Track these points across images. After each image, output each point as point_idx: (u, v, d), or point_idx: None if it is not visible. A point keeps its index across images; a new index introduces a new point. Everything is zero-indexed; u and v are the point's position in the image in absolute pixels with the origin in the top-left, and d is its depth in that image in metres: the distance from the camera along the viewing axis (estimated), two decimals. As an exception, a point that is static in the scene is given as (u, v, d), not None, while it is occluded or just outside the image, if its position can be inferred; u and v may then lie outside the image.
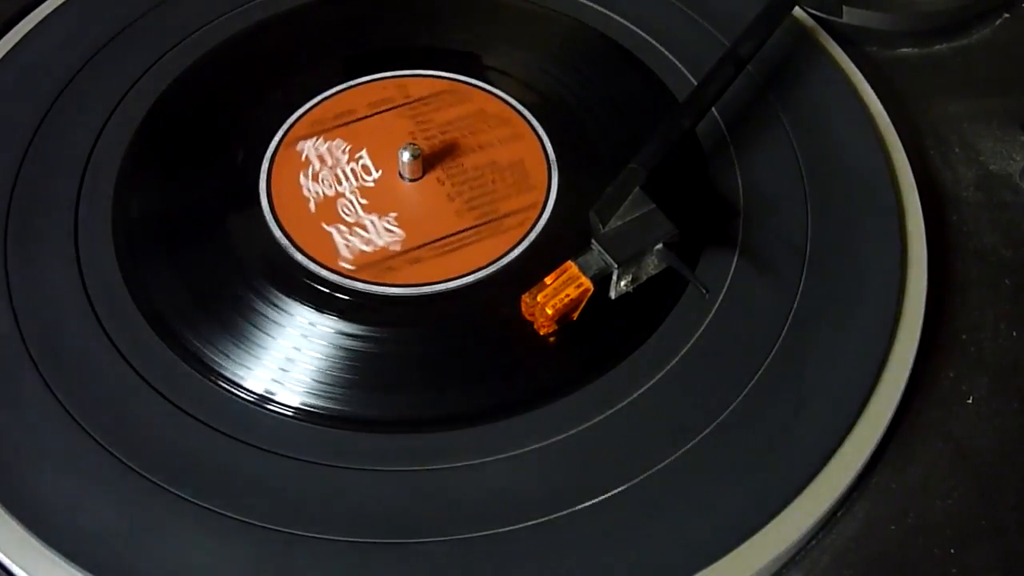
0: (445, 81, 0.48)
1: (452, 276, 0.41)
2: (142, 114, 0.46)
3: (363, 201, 0.43)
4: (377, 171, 0.44)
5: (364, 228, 0.42)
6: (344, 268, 0.41)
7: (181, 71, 0.48)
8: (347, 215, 0.42)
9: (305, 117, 0.46)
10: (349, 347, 0.39)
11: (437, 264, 0.41)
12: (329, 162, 0.44)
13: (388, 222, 0.42)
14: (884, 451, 0.38)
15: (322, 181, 0.43)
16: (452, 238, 0.42)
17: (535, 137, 0.46)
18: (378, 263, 0.41)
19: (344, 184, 0.43)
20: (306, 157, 0.44)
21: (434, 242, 0.42)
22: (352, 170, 0.44)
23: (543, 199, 0.44)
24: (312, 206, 0.43)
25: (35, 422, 0.37)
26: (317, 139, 0.45)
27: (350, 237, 0.41)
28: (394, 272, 0.41)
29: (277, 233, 0.42)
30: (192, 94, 0.47)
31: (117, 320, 0.40)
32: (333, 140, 0.45)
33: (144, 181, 0.44)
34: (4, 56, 0.49)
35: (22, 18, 0.50)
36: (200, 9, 0.50)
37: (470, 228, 0.43)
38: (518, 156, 0.45)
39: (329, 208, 0.43)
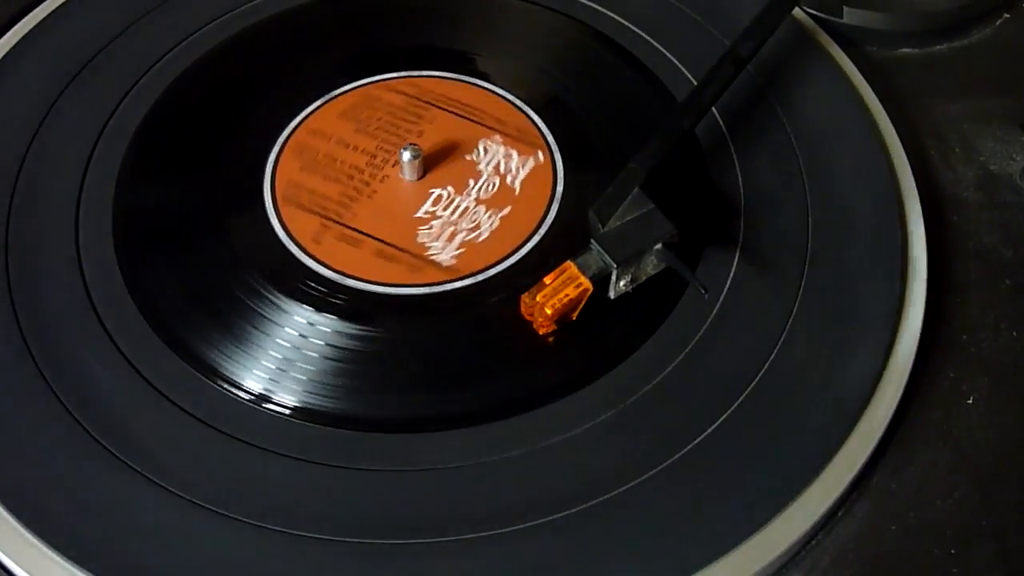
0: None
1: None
2: (143, 114, 0.46)
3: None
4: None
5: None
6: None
7: (182, 71, 0.48)
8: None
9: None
10: (348, 347, 0.39)
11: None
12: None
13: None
14: (884, 451, 0.38)
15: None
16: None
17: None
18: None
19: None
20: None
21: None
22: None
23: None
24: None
25: (35, 421, 0.37)
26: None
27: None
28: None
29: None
30: (193, 94, 0.47)
31: (117, 320, 0.40)
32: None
33: (145, 181, 0.44)
34: (4, 56, 0.49)
35: (22, 18, 0.51)
36: (200, 9, 0.50)
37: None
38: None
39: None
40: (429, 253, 0.42)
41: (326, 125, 0.46)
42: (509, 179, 0.44)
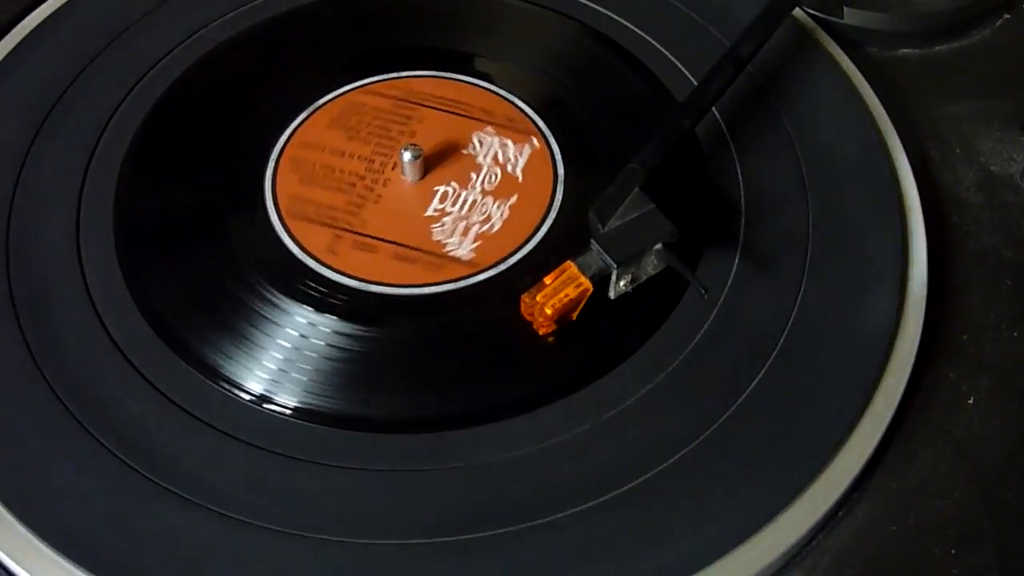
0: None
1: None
2: (143, 114, 0.46)
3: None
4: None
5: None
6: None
7: (182, 71, 0.48)
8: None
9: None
10: (348, 347, 0.39)
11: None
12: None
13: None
14: (884, 451, 0.38)
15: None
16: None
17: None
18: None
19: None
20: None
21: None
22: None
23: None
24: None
25: (35, 422, 0.37)
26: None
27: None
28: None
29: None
30: (194, 94, 0.47)
31: (118, 320, 0.40)
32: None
33: (146, 181, 0.44)
34: (5, 57, 0.49)
35: (23, 18, 0.51)
36: (200, 9, 0.50)
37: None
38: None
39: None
40: (447, 250, 0.42)
41: (316, 136, 0.46)
42: (510, 167, 0.44)
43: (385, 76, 0.48)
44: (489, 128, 0.46)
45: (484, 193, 0.44)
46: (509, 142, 0.45)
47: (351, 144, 0.45)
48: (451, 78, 0.48)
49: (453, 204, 0.43)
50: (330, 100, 0.47)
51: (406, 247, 0.42)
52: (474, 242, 0.42)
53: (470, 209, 0.43)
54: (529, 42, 0.50)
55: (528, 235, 0.42)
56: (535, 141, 0.45)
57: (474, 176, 0.44)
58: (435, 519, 0.35)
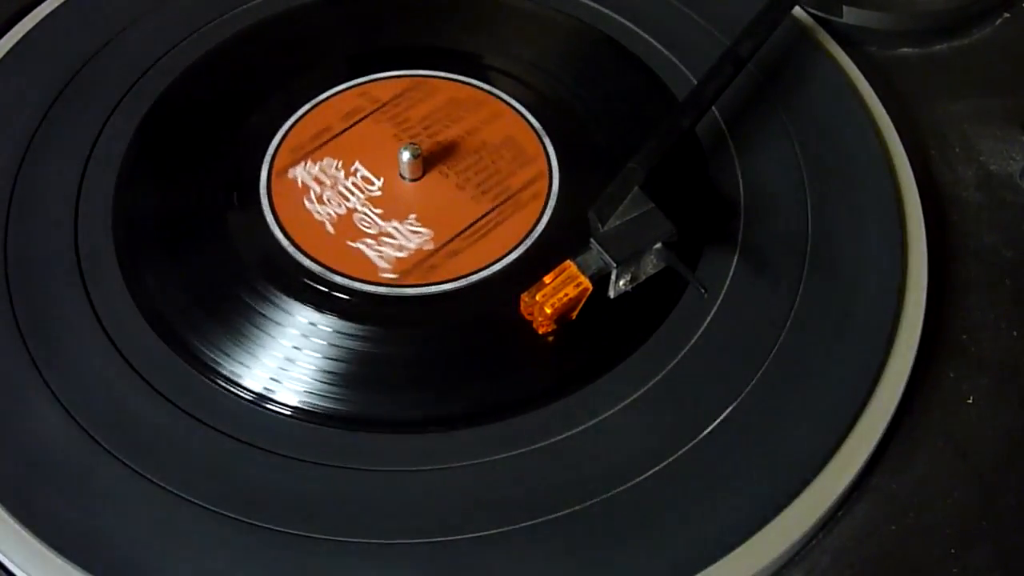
0: (409, 79, 0.48)
1: (494, 259, 0.41)
2: (142, 114, 0.46)
3: (378, 211, 0.43)
4: (378, 179, 0.44)
5: (390, 235, 0.42)
6: (388, 279, 0.41)
7: (181, 71, 0.48)
8: (368, 228, 0.42)
9: (285, 140, 0.46)
10: (348, 347, 0.39)
11: (475, 251, 0.42)
12: (328, 182, 0.44)
13: (411, 224, 0.42)
14: (884, 451, 0.38)
15: (329, 202, 0.43)
16: (479, 223, 0.42)
17: (513, 111, 0.46)
18: (418, 264, 0.41)
19: (352, 199, 0.43)
20: (302, 183, 0.44)
21: (463, 231, 0.42)
22: (354, 184, 0.44)
23: (546, 166, 0.44)
24: (330, 228, 0.42)
25: (35, 422, 0.37)
26: (306, 163, 0.44)
27: (380, 248, 0.41)
28: (437, 269, 0.41)
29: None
30: (192, 94, 0.47)
31: (117, 319, 0.40)
32: (322, 160, 0.45)
33: (145, 181, 0.44)
34: (4, 56, 0.49)
35: (22, 18, 0.51)
36: (199, 10, 0.50)
37: (491, 210, 0.43)
38: (506, 132, 0.46)
39: (347, 226, 0.42)
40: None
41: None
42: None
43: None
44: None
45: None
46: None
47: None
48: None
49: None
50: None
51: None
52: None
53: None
54: (529, 41, 0.50)
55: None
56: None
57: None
58: (435, 519, 0.35)
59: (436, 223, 0.43)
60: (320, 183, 0.44)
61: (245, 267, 0.41)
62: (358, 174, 0.44)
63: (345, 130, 0.46)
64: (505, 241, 0.42)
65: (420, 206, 0.43)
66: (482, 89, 0.47)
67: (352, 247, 0.42)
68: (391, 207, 0.43)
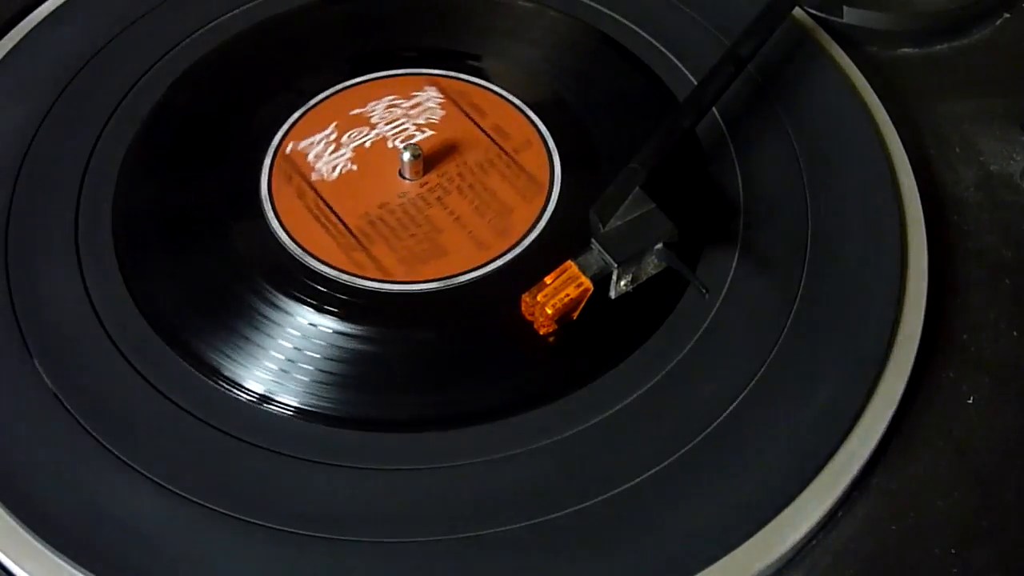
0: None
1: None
2: (143, 115, 0.46)
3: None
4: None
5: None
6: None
7: (181, 72, 0.48)
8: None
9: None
10: (349, 347, 0.39)
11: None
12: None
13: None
14: (884, 451, 0.38)
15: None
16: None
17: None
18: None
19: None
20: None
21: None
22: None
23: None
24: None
25: (35, 421, 0.37)
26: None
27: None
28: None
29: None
30: (192, 95, 0.47)
31: (118, 320, 0.40)
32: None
33: (145, 182, 0.44)
34: (4, 56, 0.49)
35: (22, 18, 0.51)
36: (199, 10, 0.50)
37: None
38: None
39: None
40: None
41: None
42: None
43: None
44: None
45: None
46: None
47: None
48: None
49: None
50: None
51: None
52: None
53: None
54: (529, 41, 0.50)
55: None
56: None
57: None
58: (434, 519, 0.35)
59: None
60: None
61: (246, 267, 0.41)
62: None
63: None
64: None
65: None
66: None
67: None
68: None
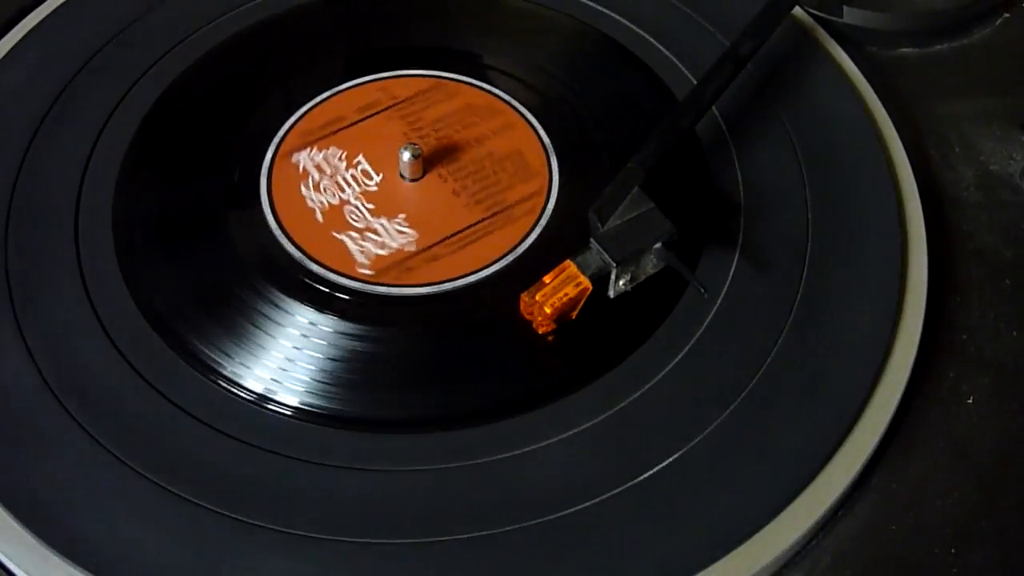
0: (431, 79, 0.48)
1: (471, 270, 0.41)
2: (142, 115, 0.46)
3: (369, 206, 0.43)
4: (378, 175, 0.44)
5: (375, 232, 0.42)
6: (363, 274, 0.41)
7: (180, 72, 0.48)
8: (356, 221, 0.42)
9: (294, 128, 0.46)
10: (349, 347, 0.39)
11: (455, 259, 0.41)
12: (328, 171, 0.44)
13: (398, 224, 0.42)
14: (884, 451, 0.38)
15: (324, 190, 0.43)
16: (466, 232, 0.42)
17: (526, 124, 0.46)
18: (396, 265, 0.41)
19: (347, 191, 0.43)
20: (303, 168, 0.44)
21: (448, 238, 0.42)
22: (353, 176, 0.44)
23: (546, 184, 0.44)
24: (319, 216, 0.42)
25: (34, 421, 0.37)
26: (311, 149, 0.45)
27: (363, 243, 0.41)
28: (413, 272, 0.41)
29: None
30: (192, 95, 0.47)
31: (117, 320, 0.40)
32: (328, 148, 0.45)
33: (145, 181, 0.44)
34: (4, 56, 0.49)
35: (22, 19, 0.50)
36: (199, 10, 0.50)
37: (481, 220, 0.43)
38: (515, 145, 0.45)
39: (337, 216, 0.43)
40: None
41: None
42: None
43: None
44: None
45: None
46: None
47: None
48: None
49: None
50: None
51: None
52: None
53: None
54: (529, 41, 0.50)
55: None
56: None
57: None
58: (434, 518, 0.35)
59: (423, 226, 0.43)
60: (320, 171, 0.44)
61: (246, 266, 0.41)
62: (359, 167, 0.44)
63: (357, 122, 0.46)
64: (488, 253, 0.42)
65: (412, 207, 0.43)
66: (500, 98, 0.47)
67: (336, 238, 0.42)
68: (383, 204, 0.43)
